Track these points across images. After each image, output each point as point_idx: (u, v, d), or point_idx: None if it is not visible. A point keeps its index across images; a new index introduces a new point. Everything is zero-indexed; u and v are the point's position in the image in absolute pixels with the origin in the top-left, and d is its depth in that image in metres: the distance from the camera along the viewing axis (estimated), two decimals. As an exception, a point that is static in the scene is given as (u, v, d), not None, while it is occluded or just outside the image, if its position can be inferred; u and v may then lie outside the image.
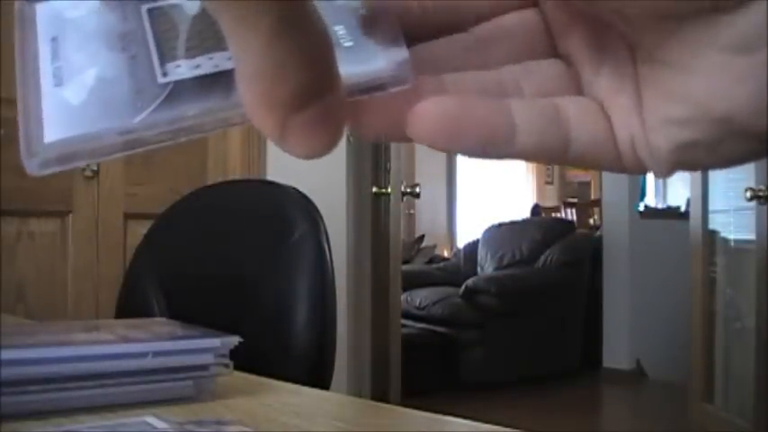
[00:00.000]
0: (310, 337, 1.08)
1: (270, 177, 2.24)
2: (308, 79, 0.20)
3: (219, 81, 0.21)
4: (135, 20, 0.23)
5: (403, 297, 3.97)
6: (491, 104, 0.25)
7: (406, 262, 4.91)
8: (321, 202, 1.20)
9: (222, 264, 1.23)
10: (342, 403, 0.76)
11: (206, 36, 0.21)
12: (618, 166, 0.26)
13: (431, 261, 6.19)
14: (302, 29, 0.19)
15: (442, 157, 8.44)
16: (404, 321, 3.73)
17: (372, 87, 0.23)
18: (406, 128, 0.24)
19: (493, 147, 0.25)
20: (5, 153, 1.84)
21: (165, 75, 0.21)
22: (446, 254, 7.17)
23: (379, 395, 2.82)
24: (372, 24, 0.24)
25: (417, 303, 4.88)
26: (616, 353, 4.93)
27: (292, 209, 1.18)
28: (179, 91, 0.21)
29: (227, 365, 0.69)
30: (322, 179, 2.32)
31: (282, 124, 0.20)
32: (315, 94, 0.20)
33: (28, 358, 0.61)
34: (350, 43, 0.23)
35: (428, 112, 0.24)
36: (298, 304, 1.09)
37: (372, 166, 2.91)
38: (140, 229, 1.47)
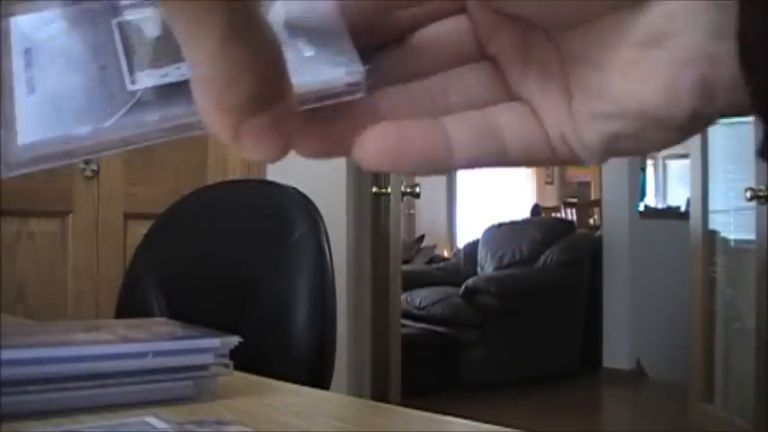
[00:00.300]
0: (310, 337, 1.08)
1: (270, 177, 2.24)
2: (259, 85, 0.20)
3: (185, 89, 0.22)
4: (106, 32, 0.24)
5: (403, 297, 3.97)
6: (427, 128, 0.26)
7: (406, 262, 4.91)
8: (321, 202, 1.20)
9: (222, 264, 1.23)
10: (342, 403, 0.76)
11: (173, 46, 0.21)
12: (554, 160, 0.28)
13: (431, 261, 6.19)
14: (253, 34, 0.20)
15: (442, 157, 8.43)
16: (404, 321, 3.73)
17: (327, 96, 0.24)
18: (353, 154, 0.25)
19: (434, 165, 0.27)
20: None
21: (133, 83, 0.23)
22: (446, 254, 7.17)
23: (379, 395, 2.81)
24: (331, 35, 0.25)
25: (417, 303, 4.88)
26: (616, 353, 4.93)
27: (292, 209, 1.18)
28: (147, 98, 0.23)
29: (227, 365, 0.69)
30: (322, 179, 2.32)
31: (236, 128, 0.21)
32: (266, 100, 0.21)
33: (28, 358, 0.61)
34: (310, 53, 0.24)
35: (371, 142, 0.25)
36: (298, 304, 1.09)
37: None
38: (140, 229, 1.47)
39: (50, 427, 0.57)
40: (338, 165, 2.51)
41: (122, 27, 0.24)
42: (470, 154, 0.27)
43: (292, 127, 0.22)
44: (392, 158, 0.26)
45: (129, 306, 1.28)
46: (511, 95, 0.28)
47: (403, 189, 3.09)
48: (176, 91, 0.23)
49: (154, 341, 0.68)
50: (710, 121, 0.26)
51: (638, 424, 4.14)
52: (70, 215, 2.08)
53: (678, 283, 4.02)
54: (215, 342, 0.69)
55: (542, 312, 4.79)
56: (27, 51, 0.24)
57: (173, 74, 0.23)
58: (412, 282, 4.87)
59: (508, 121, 0.27)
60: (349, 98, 0.25)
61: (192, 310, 0.91)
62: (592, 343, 4.99)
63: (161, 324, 0.87)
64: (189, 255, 1.30)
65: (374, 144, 0.25)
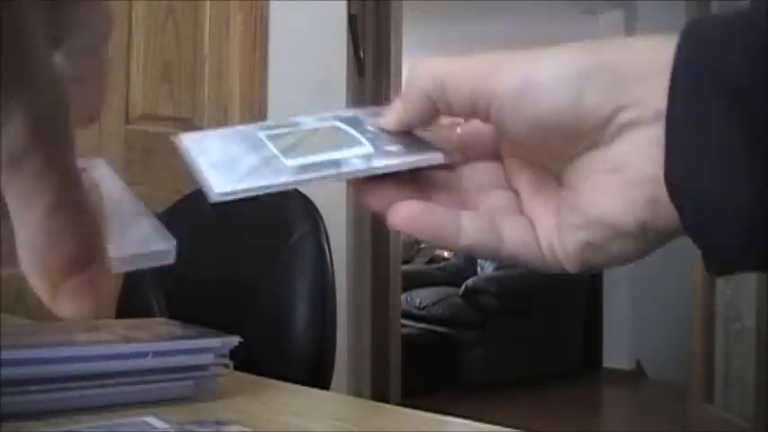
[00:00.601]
0: (310, 337, 1.08)
1: (270, 177, 2.24)
2: (76, 252, 0.23)
3: (324, 165, 0.36)
4: (256, 139, 0.38)
5: (403, 297, 3.97)
6: (447, 212, 0.37)
7: (406, 262, 4.91)
8: (321, 202, 1.20)
9: (222, 264, 1.23)
10: (342, 403, 0.76)
11: (309, 144, 0.38)
12: (543, 264, 0.36)
13: (431, 261, 6.18)
14: (76, 210, 0.22)
15: (442, 157, 8.43)
16: (404, 321, 3.73)
17: (427, 166, 0.38)
18: (387, 215, 0.36)
19: (442, 240, 0.36)
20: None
21: (290, 161, 0.37)
22: (446, 254, 7.16)
23: (379, 395, 2.81)
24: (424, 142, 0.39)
25: (417, 303, 4.88)
26: (616, 353, 4.93)
27: (292, 209, 1.18)
28: (299, 170, 0.36)
29: (227, 365, 0.69)
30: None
31: (53, 289, 0.23)
32: (82, 264, 0.23)
33: (28, 358, 0.61)
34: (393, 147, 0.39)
35: (401, 209, 0.36)
36: (298, 304, 1.09)
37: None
38: (140, 229, 1.47)
39: (50, 427, 0.57)
40: (338, 165, 2.50)
41: (269, 137, 0.39)
42: (473, 242, 0.36)
43: (105, 288, 0.25)
44: (412, 226, 0.36)
45: (129, 307, 1.28)
46: (520, 213, 0.38)
47: (403, 189, 3.09)
48: (317, 166, 0.37)
49: (154, 341, 0.68)
50: (662, 237, 0.33)
51: (638, 424, 4.14)
52: (70, 215, 2.08)
53: (678, 283, 4.02)
54: (215, 342, 0.69)
55: (542, 312, 4.79)
56: (202, 151, 0.38)
57: (313, 158, 0.37)
58: (412, 282, 4.87)
59: (509, 225, 0.37)
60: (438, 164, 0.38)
61: (192, 311, 0.91)
62: (592, 343, 4.99)
63: (161, 324, 0.87)
64: (189, 255, 1.29)
65: (403, 212, 0.36)
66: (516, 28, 6.05)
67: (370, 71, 2.93)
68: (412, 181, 0.38)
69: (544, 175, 0.37)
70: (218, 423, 0.57)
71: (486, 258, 0.37)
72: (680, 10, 3.92)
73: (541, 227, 0.36)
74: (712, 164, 0.30)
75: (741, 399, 3.28)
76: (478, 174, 0.39)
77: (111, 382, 0.64)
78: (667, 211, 0.32)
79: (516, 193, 0.39)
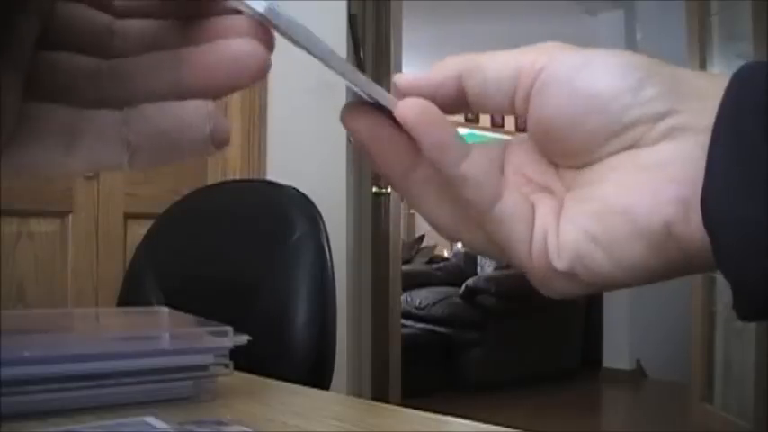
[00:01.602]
0: (310, 337, 1.08)
1: (270, 177, 2.24)
2: None
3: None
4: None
5: (403, 297, 3.97)
6: (447, 123, 0.33)
7: (406, 262, 4.91)
8: (321, 202, 1.20)
9: (222, 264, 1.23)
10: (342, 403, 0.76)
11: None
12: (524, 251, 0.33)
13: (431, 261, 6.18)
14: None
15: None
16: (404, 321, 3.73)
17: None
18: (396, 111, 0.32)
19: (443, 155, 0.32)
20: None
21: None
22: (446, 254, 7.17)
23: (379, 395, 2.81)
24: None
25: (417, 303, 4.88)
26: (616, 353, 4.93)
27: (292, 209, 1.18)
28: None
29: (227, 365, 0.69)
30: (322, 179, 2.32)
31: None
32: None
33: (28, 358, 0.61)
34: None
35: (413, 103, 0.32)
36: (298, 304, 1.09)
37: (373, 166, 2.91)
38: (140, 229, 1.47)
39: (50, 428, 0.57)
40: (338, 165, 2.51)
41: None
42: (473, 175, 0.33)
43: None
44: (422, 123, 0.32)
45: (130, 306, 1.28)
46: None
47: (403, 189, 3.09)
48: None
49: (154, 341, 0.68)
50: (679, 255, 0.30)
51: (638, 424, 4.14)
52: (70, 215, 2.08)
53: (678, 283, 4.00)
54: (215, 342, 0.69)
55: (542, 312, 4.79)
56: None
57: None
58: (412, 282, 4.87)
59: (512, 193, 0.33)
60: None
61: (191, 310, 0.91)
62: (592, 343, 4.99)
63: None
64: (189, 255, 1.30)
65: (417, 106, 0.32)
66: (516, 28, 6.05)
67: (370, 71, 2.93)
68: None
69: (547, 194, 0.35)
70: (218, 423, 0.57)
71: (471, 209, 0.33)
72: (680, 10, 3.92)
73: (542, 211, 0.33)
74: (752, 189, 0.28)
75: (741, 399, 3.28)
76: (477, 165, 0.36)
77: (110, 382, 0.64)
78: (697, 222, 0.29)
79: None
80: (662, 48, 5.21)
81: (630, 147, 0.31)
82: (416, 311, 4.84)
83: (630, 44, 5.39)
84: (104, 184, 2.12)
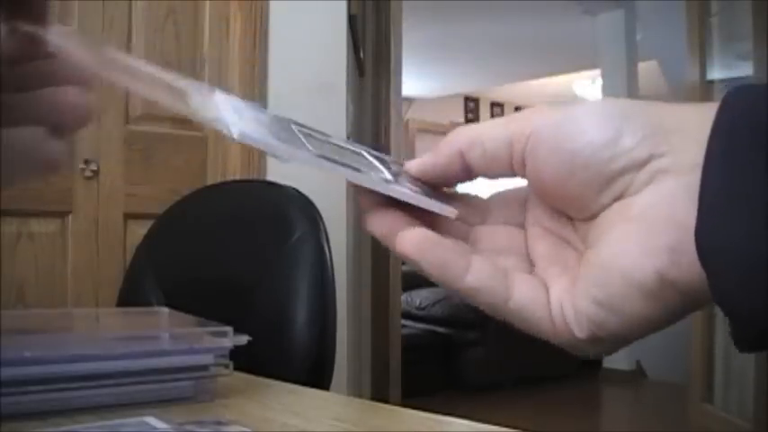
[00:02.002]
0: (310, 337, 1.08)
1: (270, 177, 2.24)
2: None
3: (344, 166, 0.37)
4: (288, 126, 0.39)
5: (403, 297, 3.97)
6: (457, 247, 0.35)
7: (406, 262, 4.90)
8: (321, 202, 1.20)
9: (222, 264, 1.23)
10: (342, 403, 0.76)
11: (335, 151, 0.38)
12: (550, 328, 0.34)
13: (431, 261, 6.18)
14: None
15: (442, 157, 8.41)
16: (404, 321, 3.73)
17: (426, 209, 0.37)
18: (395, 243, 0.35)
19: (447, 275, 0.34)
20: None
21: (315, 150, 0.37)
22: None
23: (379, 395, 2.82)
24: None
25: (417, 303, 4.88)
26: (616, 353, 4.93)
27: (292, 209, 1.18)
28: (322, 157, 0.37)
29: (227, 366, 0.69)
30: (322, 179, 2.31)
31: None
32: None
33: (28, 358, 0.61)
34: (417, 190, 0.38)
35: (409, 235, 0.35)
36: (298, 304, 1.09)
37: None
38: (140, 229, 1.47)
39: (50, 428, 0.57)
40: (338, 165, 2.50)
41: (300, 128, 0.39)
42: (480, 283, 0.34)
43: None
44: (420, 255, 0.34)
45: (129, 306, 1.28)
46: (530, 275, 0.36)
47: (403, 189, 3.09)
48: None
49: (154, 341, 0.68)
50: (679, 299, 0.31)
51: (638, 424, 4.14)
52: (70, 215, 2.08)
53: (678, 284, 4.02)
54: (215, 342, 0.69)
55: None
56: (236, 110, 0.36)
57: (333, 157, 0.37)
58: (412, 282, 4.87)
59: (520, 278, 0.35)
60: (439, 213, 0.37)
61: (191, 311, 0.91)
62: (592, 343, 4.98)
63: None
64: (189, 255, 1.30)
65: (413, 238, 0.34)
66: (516, 28, 6.05)
67: (370, 71, 2.93)
68: (424, 219, 0.37)
69: (565, 246, 0.36)
70: (218, 423, 0.57)
71: (488, 310, 0.35)
72: (680, 10, 3.92)
73: (554, 290, 0.35)
74: (747, 223, 0.28)
75: (741, 398, 3.28)
76: (496, 235, 0.38)
77: (110, 382, 0.64)
78: (688, 263, 0.30)
79: (531, 261, 0.37)
80: (662, 48, 5.21)
81: (621, 197, 0.32)
82: (416, 311, 4.84)
83: (630, 44, 5.39)
84: (104, 184, 2.12)
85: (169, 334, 0.72)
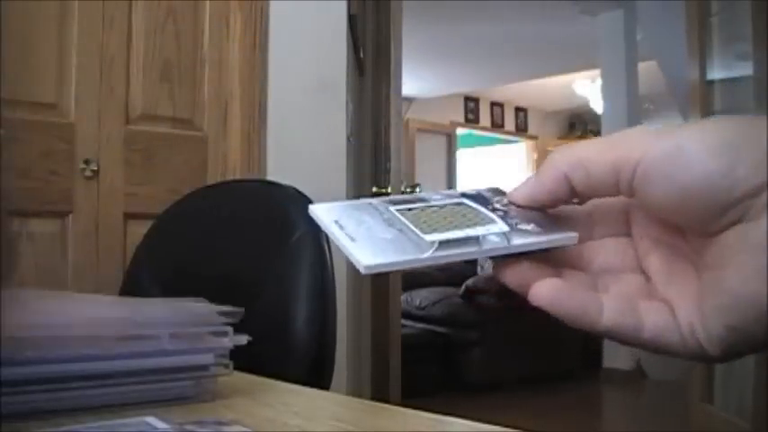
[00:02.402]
0: (310, 336, 1.08)
1: (270, 177, 2.24)
2: None
3: (464, 241, 0.38)
4: (387, 213, 0.40)
5: (403, 297, 3.97)
6: (588, 292, 0.37)
7: (406, 262, 4.90)
8: (321, 202, 1.19)
9: (222, 264, 1.23)
10: (342, 403, 0.76)
11: (443, 219, 0.39)
12: (684, 349, 0.35)
13: (431, 261, 6.18)
14: None
15: (443, 157, 8.43)
16: (404, 321, 3.73)
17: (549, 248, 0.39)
18: (528, 294, 0.38)
19: (582, 321, 0.36)
20: (5, 153, 1.83)
21: (428, 236, 0.38)
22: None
23: (379, 395, 2.81)
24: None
25: (417, 303, 4.88)
26: (616, 353, 4.93)
27: (292, 209, 1.18)
28: (440, 245, 0.37)
29: (227, 365, 0.69)
30: (322, 179, 2.32)
31: None
32: None
33: (28, 358, 0.61)
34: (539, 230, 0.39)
35: (543, 289, 0.37)
36: (298, 304, 1.09)
37: (372, 166, 2.91)
38: (140, 229, 1.47)
39: (50, 428, 0.57)
40: (338, 165, 2.51)
41: (400, 212, 0.40)
42: (614, 323, 0.36)
43: None
44: (556, 306, 0.36)
45: (129, 306, 1.28)
46: (653, 298, 0.37)
47: (403, 189, 3.09)
48: (455, 244, 0.38)
49: (154, 341, 0.68)
50: None
51: (638, 424, 4.14)
52: (70, 215, 2.08)
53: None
54: (215, 342, 0.69)
55: (542, 312, 4.78)
56: (336, 222, 0.39)
57: (450, 234, 0.38)
58: (412, 282, 4.87)
59: (648, 308, 0.36)
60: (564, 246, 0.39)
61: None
62: (592, 343, 4.99)
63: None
64: (189, 255, 1.30)
65: (547, 292, 0.37)
66: (516, 28, 6.05)
67: (370, 71, 2.93)
68: (545, 258, 0.38)
69: (677, 256, 0.37)
70: (219, 423, 0.57)
71: (623, 342, 0.37)
72: (680, 10, 3.92)
73: (681, 312, 0.35)
74: None
75: (741, 398, 3.28)
76: (607, 253, 0.39)
77: (111, 382, 0.64)
78: None
79: (647, 276, 0.38)
80: (662, 48, 5.21)
81: (738, 221, 0.33)
82: (416, 311, 4.84)
83: (630, 44, 5.39)
84: (104, 184, 2.12)
85: (169, 334, 0.72)
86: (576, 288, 0.36)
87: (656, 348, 0.36)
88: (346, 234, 0.38)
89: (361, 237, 0.37)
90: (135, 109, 2.14)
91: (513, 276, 0.38)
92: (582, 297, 0.36)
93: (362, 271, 0.35)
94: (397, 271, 0.35)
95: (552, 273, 0.38)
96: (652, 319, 0.36)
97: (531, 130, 9.43)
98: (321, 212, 0.41)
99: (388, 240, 0.37)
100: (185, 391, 0.68)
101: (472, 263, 5.52)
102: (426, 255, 0.36)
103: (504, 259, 0.39)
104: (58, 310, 0.67)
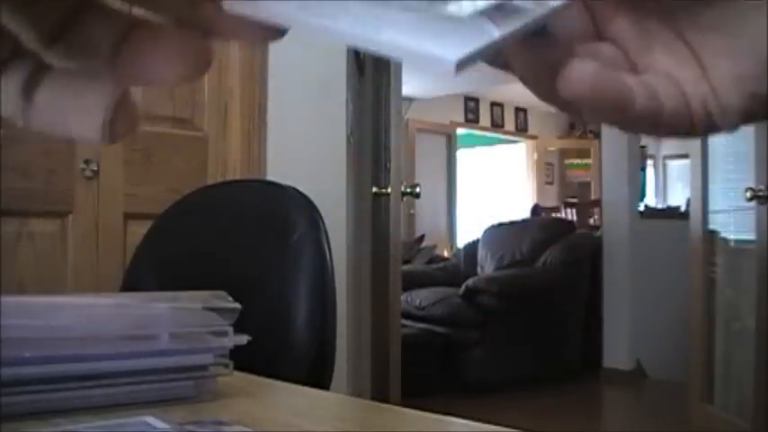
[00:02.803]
0: (310, 336, 1.08)
1: (270, 177, 2.24)
2: None
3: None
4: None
5: (403, 297, 3.97)
6: (618, 74, 0.29)
7: (406, 262, 4.91)
8: (321, 202, 1.20)
9: (222, 264, 1.23)
10: (342, 403, 0.76)
11: None
12: (688, 126, 0.30)
13: (431, 261, 6.18)
14: None
15: (443, 156, 8.43)
16: (404, 321, 3.73)
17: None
18: (564, 79, 0.27)
19: (620, 106, 0.28)
20: (5, 153, 1.83)
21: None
22: (446, 254, 7.17)
23: (379, 395, 2.81)
24: None
25: (417, 303, 4.88)
26: (616, 353, 4.93)
27: (292, 209, 1.18)
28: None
29: (227, 365, 0.69)
30: (322, 179, 2.32)
31: None
32: None
33: (28, 358, 0.61)
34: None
35: (576, 72, 0.27)
36: (298, 304, 1.09)
37: (372, 166, 2.91)
38: (140, 229, 1.47)
39: (50, 428, 0.57)
40: (338, 165, 2.51)
41: None
42: (645, 107, 0.28)
43: None
44: (598, 89, 0.28)
45: (129, 306, 1.28)
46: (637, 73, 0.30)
47: (403, 189, 3.09)
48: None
49: (154, 341, 0.68)
50: None
51: (638, 424, 4.14)
52: (70, 215, 2.08)
53: (678, 283, 4.02)
54: (215, 342, 0.69)
55: (542, 312, 4.79)
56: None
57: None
58: (412, 282, 4.87)
59: (667, 91, 0.29)
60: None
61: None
62: (592, 343, 4.99)
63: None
64: (189, 255, 1.30)
65: (583, 75, 0.27)
66: (516, 28, 6.04)
67: (370, 71, 2.93)
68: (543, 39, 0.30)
69: (647, 20, 0.30)
70: (218, 423, 0.57)
71: (642, 131, 0.30)
72: (680, 10, 3.91)
73: (688, 85, 0.29)
74: None
75: (741, 398, 3.28)
76: (563, 21, 0.30)
77: (111, 382, 0.64)
78: None
79: (614, 43, 0.31)
80: (662, 48, 5.20)
81: None
82: (416, 311, 4.83)
83: (630, 44, 5.38)
84: (104, 184, 2.12)
85: (169, 334, 0.72)
86: (607, 68, 0.29)
87: (670, 131, 0.30)
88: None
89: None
90: (135, 109, 2.15)
91: (532, 61, 0.29)
92: (616, 78, 0.28)
93: (454, 72, 0.24)
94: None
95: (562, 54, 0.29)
96: (669, 102, 0.29)
97: (532, 130, 9.43)
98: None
99: (417, 25, 0.25)
100: (185, 391, 0.68)
101: (472, 263, 5.52)
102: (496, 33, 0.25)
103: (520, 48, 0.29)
104: (58, 310, 0.67)
